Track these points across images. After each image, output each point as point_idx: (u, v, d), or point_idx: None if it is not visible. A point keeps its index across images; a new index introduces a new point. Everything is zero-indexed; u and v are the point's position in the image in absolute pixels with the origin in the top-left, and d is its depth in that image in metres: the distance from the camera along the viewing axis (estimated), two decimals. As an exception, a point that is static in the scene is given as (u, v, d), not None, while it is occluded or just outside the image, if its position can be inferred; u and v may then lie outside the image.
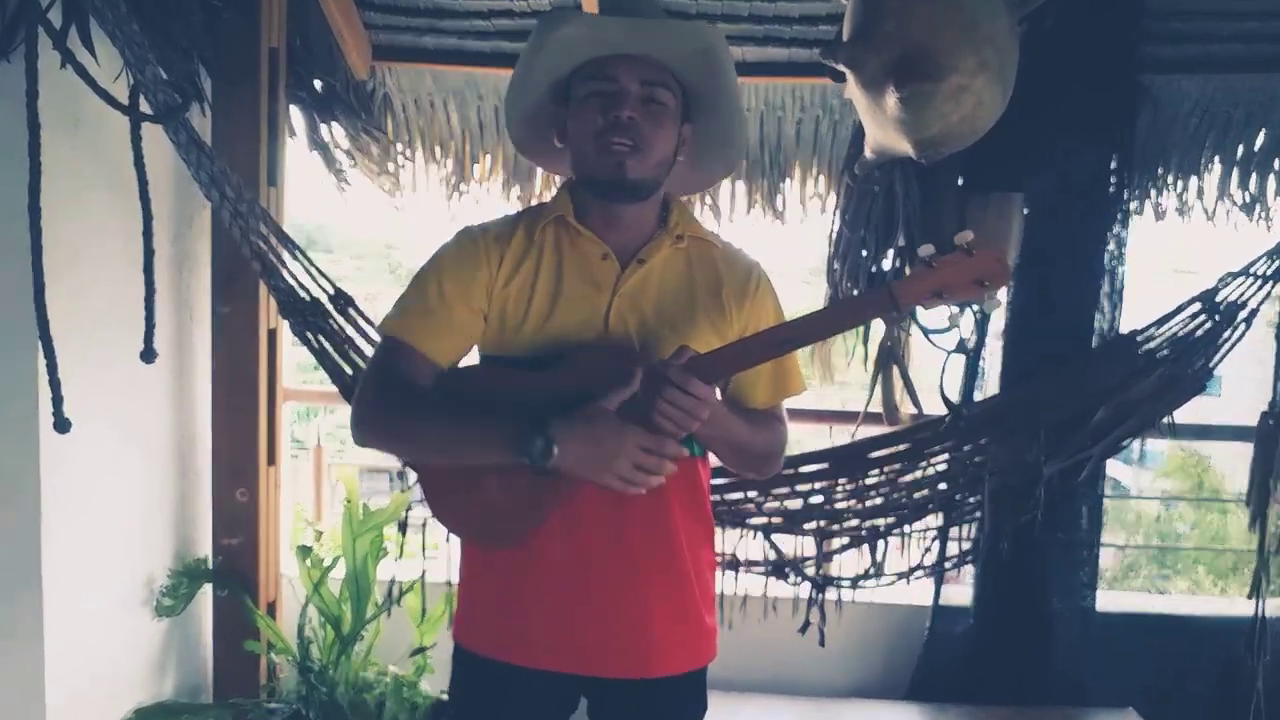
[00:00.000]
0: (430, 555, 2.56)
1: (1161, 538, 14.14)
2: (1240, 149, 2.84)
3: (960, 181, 2.41)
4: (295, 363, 3.76)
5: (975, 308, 1.36)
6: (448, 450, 1.43)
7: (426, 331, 1.47)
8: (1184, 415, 2.46)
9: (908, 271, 2.52)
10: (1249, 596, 2.58)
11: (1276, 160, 2.83)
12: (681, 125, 1.52)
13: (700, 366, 1.35)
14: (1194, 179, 2.89)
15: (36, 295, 1.59)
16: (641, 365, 1.36)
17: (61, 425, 1.61)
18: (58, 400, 1.60)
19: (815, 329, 1.43)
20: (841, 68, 2.05)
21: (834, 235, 2.65)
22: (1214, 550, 12.02)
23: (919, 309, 1.38)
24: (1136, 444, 2.47)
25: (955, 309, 1.39)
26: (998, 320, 2.66)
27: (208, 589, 2.57)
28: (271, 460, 2.59)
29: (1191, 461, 14.61)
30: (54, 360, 1.60)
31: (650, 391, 1.32)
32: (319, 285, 2.17)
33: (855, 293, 2.56)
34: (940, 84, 1.92)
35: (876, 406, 2.71)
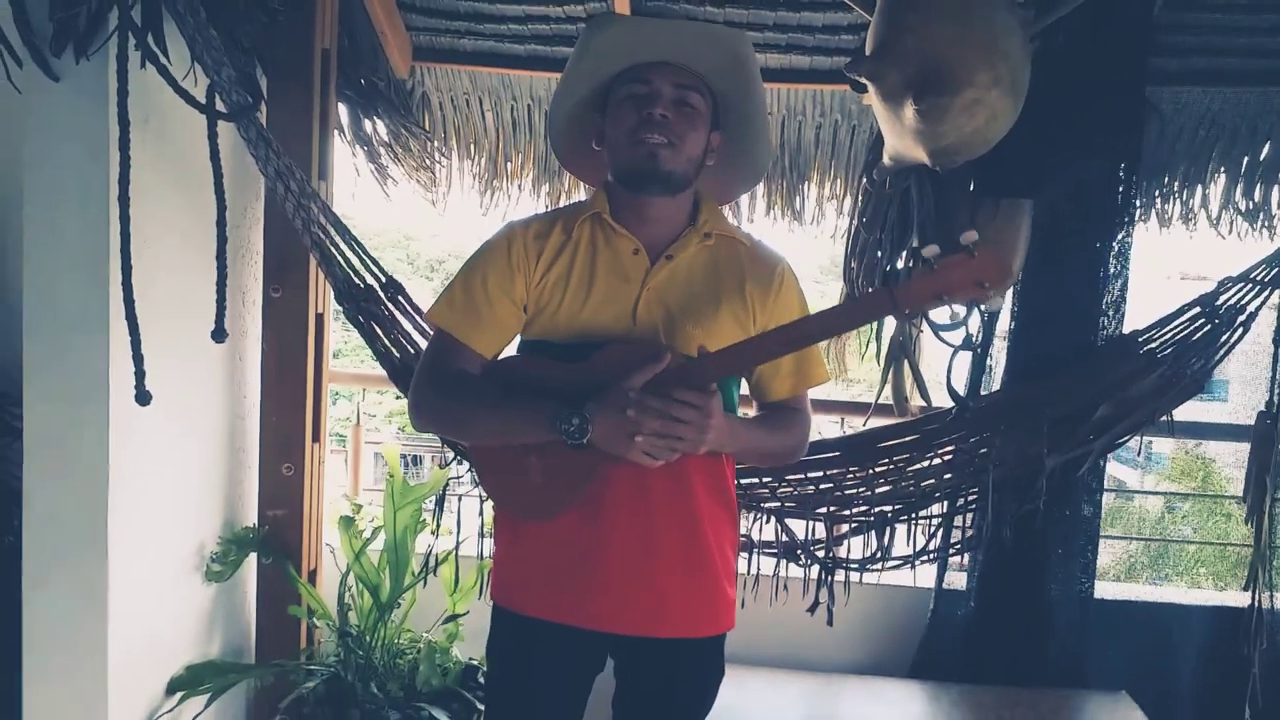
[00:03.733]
0: (465, 529, 2.69)
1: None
2: (1245, 160, 2.93)
3: (972, 188, 2.52)
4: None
5: (981, 308, 1.45)
6: (496, 432, 1.59)
7: (473, 327, 1.62)
8: (1189, 417, 2.52)
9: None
10: (1244, 588, 2.69)
11: (1280, 171, 2.91)
12: (711, 132, 1.66)
13: (707, 363, 1.48)
14: (1199, 188, 2.98)
15: (124, 280, 1.72)
16: (668, 353, 1.50)
17: (143, 398, 1.76)
18: (140, 375, 1.75)
19: (819, 329, 1.53)
20: (863, 80, 2.15)
21: (851, 236, 2.74)
22: (1216, 545, 11.85)
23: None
24: (1142, 447, 2.55)
25: (962, 309, 1.44)
26: (1004, 320, 2.74)
27: (254, 557, 2.71)
28: (316, 437, 2.72)
29: (1196, 465, 14.49)
30: (138, 338, 1.74)
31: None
32: (371, 274, 2.29)
33: (859, 294, 2.65)
34: (956, 98, 2.02)
35: (887, 399, 2.82)
